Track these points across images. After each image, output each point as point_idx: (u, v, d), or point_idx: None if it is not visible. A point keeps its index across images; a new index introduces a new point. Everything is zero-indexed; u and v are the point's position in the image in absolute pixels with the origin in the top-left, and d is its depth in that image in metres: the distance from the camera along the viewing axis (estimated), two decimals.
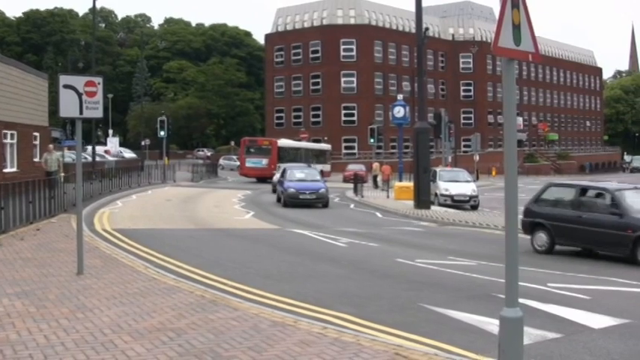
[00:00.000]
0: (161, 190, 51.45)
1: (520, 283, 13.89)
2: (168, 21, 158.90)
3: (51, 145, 35.48)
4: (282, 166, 50.75)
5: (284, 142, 74.05)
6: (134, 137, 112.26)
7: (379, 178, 56.63)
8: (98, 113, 15.65)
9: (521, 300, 12.15)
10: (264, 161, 66.77)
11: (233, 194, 48.54)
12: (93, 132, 59.67)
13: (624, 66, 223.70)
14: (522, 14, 7.14)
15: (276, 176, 48.36)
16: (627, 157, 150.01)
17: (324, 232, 26.47)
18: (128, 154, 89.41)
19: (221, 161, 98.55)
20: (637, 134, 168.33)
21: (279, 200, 42.12)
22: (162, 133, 59.20)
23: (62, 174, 32.45)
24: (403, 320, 11.97)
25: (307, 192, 40.07)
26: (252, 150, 70.41)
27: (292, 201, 39.50)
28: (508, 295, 7.23)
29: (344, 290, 14.83)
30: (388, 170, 56.09)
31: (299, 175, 42.76)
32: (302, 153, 74.74)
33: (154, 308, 11.89)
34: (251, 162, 68.44)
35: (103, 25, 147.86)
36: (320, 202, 40.18)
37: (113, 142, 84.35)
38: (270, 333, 10.35)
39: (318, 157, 78.80)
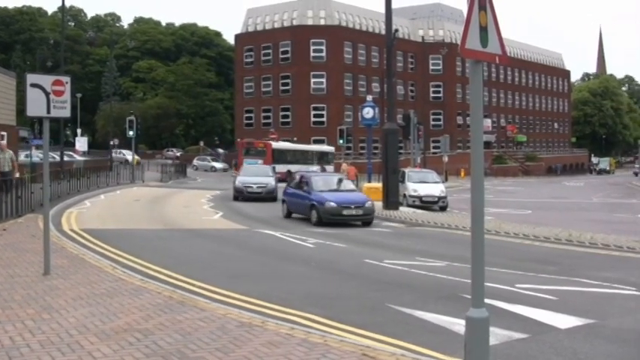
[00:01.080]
0: (130, 190, 51.28)
1: (488, 284, 13.99)
2: (138, 20, 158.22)
3: (3, 142, 32.73)
4: (297, 172, 44.74)
5: (280, 144, 75.71)
6: (103, 137, 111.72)
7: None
8: (66, 113, 15.56)
9: (488, 301, 12.25)
10: (259, 162, 65.94)
11: (202, 194, 48.44)
12: (61, 131, 59.40)
13: (592, 69, 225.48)
14: (489, 16, 7.17)
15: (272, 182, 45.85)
16: (594, 159, 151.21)
17: (292, 232, 26.49)
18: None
19: (195, 162, 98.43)
20: (604, 136, 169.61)
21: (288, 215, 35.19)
22: (131, 132, 59.07)
23: (17, 174, 30.04)
24: (371, 321, 11.97)
25: (352, 206, 31.67)
26: (249, 152, 72.20)
27: (334, 218, 31.10)
28: (474, 295, 7.25)
29: (312, 291, 14.84)
30: (353, 171, 56.20)
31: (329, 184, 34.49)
32: (301, 155, 75.36)
33: (120, 309, 11.83)
34: (248, 163, 68.11)
35: (73, 23, 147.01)
36: (365, 218, 32.02)
37: (81, 142, 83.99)
38: (237, 334, 10.33)
39: (320, 159, 79.03)
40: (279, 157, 70.52)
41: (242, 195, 43.46)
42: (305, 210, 32.68)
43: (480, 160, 7.14)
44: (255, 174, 46.16)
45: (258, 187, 43.70)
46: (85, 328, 10.53)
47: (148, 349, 9.39)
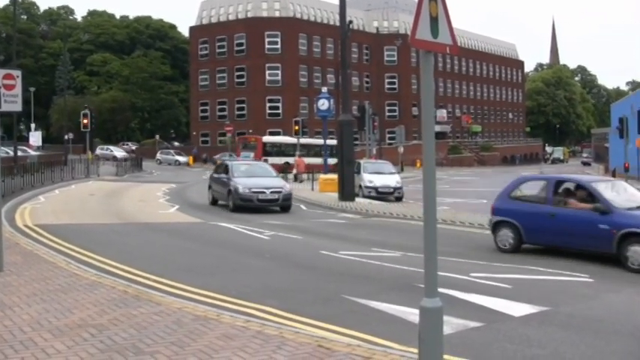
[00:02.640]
0: (85, 184, 50.91)
1: (443, 274, 14.17)
2: (92, 13, 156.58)
3: None
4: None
5: (269, 138, 79.13)
6: (57, 131, 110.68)
7: (294, 171, 56.62)
8: (17, 107, 15.42)
9: (444, 290, 12.37)
10: (251, 155, 70.84)
11: (158, 188, 48.19)
12: (14, 126, 58.73)
13: (545, 59, 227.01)
14: (440, 7, 7.20)
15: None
16: (548, 149, 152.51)
17: (248, 225, 26.41)
18: (119, 153, 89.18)
19: (159, 155, 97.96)
20: (558, 126, 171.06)
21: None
22: (85, 121, 58.63)
23: None
24: (326, 312, 12.01)
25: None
26: (246, 146, 77.41)
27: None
28: (427, 285, 7.30)
29: (267, 283, 14.83)
30: (302, 163, 56.34)
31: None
32: (292, 148, 75.66)
33: (75, 305, 11.74)
34: (242, 156, 72.47)
35: (25, 17, 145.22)
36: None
37: (35, 137, 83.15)
38: (192, 327, 10.31)
39: (318, 152, 79.12)
40: (271, 150, 72.99)
41: (250, 204, 32.59)
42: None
43: (431, 150, 7.19)
44: (255, 174, 35.31)
45: (272, 192, 33.21)
46: (39, 324, 10.44)
47: (103, 345, 9.34)
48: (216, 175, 36.70)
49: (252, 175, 34.50)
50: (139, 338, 9.69)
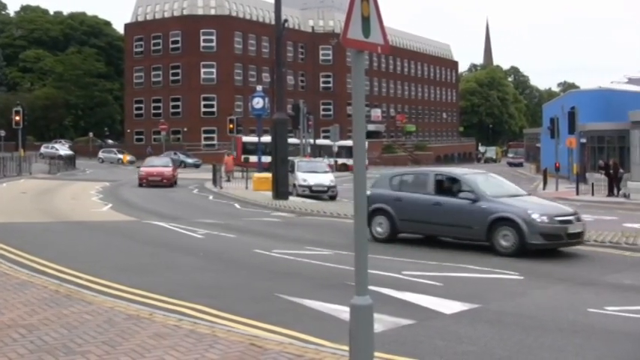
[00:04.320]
0: (16, 182, 50.38)
1: (375, 272, 14.27)
2: (25, 8, 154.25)
3: None
4: None
5: (248, 138, 78.61)
6: None
7: (222, 170, 56.52)
8: None
9: (375, 288, 12.48)
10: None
11: (91, 186, 47.81)
12: None
13: (479, 60, 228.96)
14: (372, 7, 7.25)
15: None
16: (481, 148, 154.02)
17: (182, 223, 26.31)
18: (65, 151, 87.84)
19: (101, 154, 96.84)
20: (491, 126, 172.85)
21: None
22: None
23: None
24: (259, 311, 12.02)
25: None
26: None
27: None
28: (358, 283, 7.35)
29: (200, 282, 14.81)
30: (231, 161, 56.34)
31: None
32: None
33: (5, 305, 11.58)
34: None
35: None
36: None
37: None
38: (124, 326, 10.25)
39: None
40: (251, 148, 72.37)
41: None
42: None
43: (362, 149, 7.24)
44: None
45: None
46: None
47: (33, 345, 9.24)
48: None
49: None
50: (69, 338, 9.60)
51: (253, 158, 66.59)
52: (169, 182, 49.82)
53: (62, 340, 9.47)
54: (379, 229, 21.68)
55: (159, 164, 53.20)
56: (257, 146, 73.40)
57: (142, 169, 51.68)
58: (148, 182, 49.02)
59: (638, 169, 44.87)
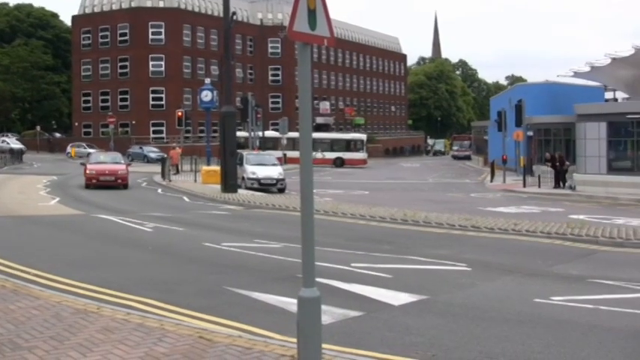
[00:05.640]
0: None
1: (324, 264, 14.34)
2: None
3: None
4: None
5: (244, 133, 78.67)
6: None
7: (168, 163, 56.44)
8: None
9: (325, 280, 12.54)
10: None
11: (38, 180, 47.28)
12: None
13: (428, 53, 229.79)
14: (318, 0, 7.26)
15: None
16: (430, 141, 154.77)
17: (130, 217, 26.18)
18: (16, 144, 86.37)
19: (69, 149, 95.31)
20: (439, 119, 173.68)
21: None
22: None
23: None
24: (208, 304, 12.02)
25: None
26: None
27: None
28: (305, 275, 7.39)
29: (149, 275, 14.77)
30: (176, 154, 56.21)
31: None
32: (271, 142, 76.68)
33: None
34: None
35: None
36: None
37: None
38: (72, 321, 10.19)
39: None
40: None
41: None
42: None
43: (308, 142, 7.25)
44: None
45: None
46: None
47: None
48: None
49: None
50: (16, 333, 9.53)
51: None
52: (124, 182, 41.29)
53: (8, 336, 9.40)
54: None
55: (108, 160, 44.16)
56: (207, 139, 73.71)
57: (89, 166, 41.89)
58: (98, 183, 40.50)
59: (583, 161, 45.37)
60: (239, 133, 67.73)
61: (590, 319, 11.57)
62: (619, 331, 10.86)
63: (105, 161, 43.81)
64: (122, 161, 45.09)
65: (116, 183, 40.74)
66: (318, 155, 79.36)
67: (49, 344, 9.03)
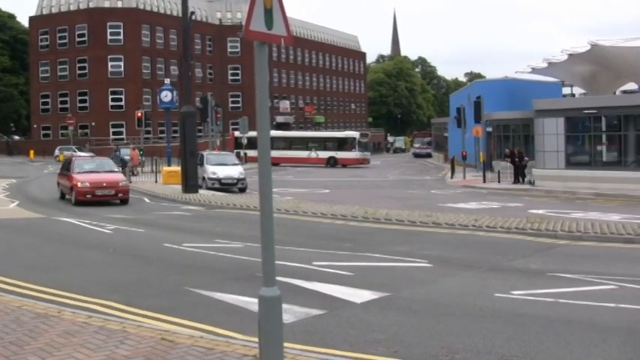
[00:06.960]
0: None
1: (286, 263, 14.35)
2: None
3: None
4: None
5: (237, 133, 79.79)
6: None
7: (129, 164, 56.11)
8: None
9: (286, 279, 12.57)
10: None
11: None
12: None
13: (387, 51, 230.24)
14: None
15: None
16: (390, 138, 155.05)
17: (90, 219, 26.04)
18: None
19: (57, 152, 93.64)
20: (399, 116, 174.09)
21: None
22: None
23: None
24: (170, 305, 12.00)
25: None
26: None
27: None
28: (265, 274, 7.38)
29: (110, 277, 14.70)
30: (136, 155, 56.03)
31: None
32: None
33: None
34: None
35: None
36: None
37: None
38: (32, 325, 10.13)
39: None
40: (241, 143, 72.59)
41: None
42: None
43: (266, 141, 7.24)
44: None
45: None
46: None
47: None
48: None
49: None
50: None
51: (251, 153, 69.46)
52: (125, 197, 33.88)
53: None
54: None
55: (100, 169, 35.45)
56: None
57: (78, 177, 33.38)
58: (93, 198, 32.75)
59: (542, 156, 45.66)
60: (250, 133, 68.27)
61: (550, 312, 11.67)
62: (578, 324, 10.97)
63: (96, 170, 35.14)
64: (115, 169, 38.07)
65: (116, 197, 33.67)
66: (312, 155, 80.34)
67: (9, 349, 8.97)
